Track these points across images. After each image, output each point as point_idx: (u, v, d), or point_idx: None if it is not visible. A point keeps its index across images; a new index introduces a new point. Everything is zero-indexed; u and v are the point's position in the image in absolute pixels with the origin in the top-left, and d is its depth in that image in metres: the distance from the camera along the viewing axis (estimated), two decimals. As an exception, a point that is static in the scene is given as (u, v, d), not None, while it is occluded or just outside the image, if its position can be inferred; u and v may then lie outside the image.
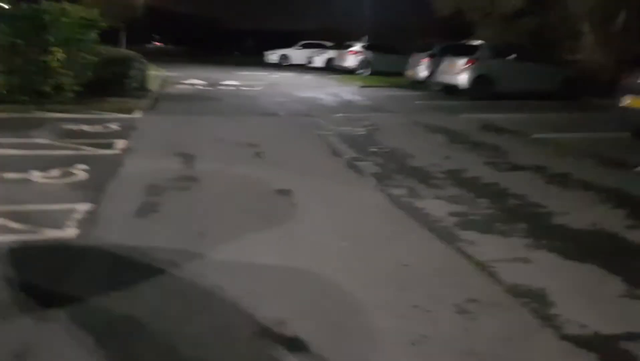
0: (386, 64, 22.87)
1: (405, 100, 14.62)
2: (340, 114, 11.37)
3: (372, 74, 22.18)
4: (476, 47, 14.79)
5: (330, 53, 28.60)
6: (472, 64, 14.36)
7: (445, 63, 15.27)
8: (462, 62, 14.55)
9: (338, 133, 9.12)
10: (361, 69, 23.38)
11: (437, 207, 5.02)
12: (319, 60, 28.79)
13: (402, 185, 5.85)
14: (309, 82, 20.03)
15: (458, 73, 14.57)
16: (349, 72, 23.47)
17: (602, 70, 16.63)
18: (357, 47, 23.71)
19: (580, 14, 17.76)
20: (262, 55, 33.26)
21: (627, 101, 8.67)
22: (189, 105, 12.14)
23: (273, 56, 32.37)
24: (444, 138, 8.90)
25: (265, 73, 23.63)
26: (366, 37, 21.95)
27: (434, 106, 13.23)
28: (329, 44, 31.56)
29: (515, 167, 6.89)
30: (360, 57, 23.46)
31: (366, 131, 9.49)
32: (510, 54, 14.65)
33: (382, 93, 16.34)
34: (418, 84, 17.81)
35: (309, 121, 10.45)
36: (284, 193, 5.40)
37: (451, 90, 15.42)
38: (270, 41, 37.27)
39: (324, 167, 6.75)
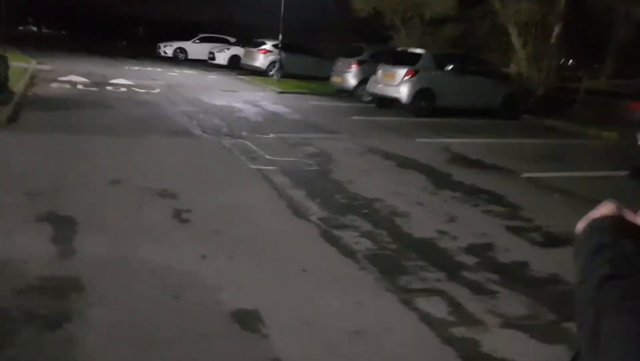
0: (301, 66, 20.63)
1: (338, 114, 12.48)
2: (272, 135, 8.95)
3: (284, 76, 19.86)
4: (414, 56, 13.00)
5: (235, 50, 25.79)
6: (413, 75, 12.55)
7: (380, 72, 13.34)
8: (401, 72, 12.70)
9: (282, 168, 6.74)
10: (273, 70, 20.94)
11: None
12: (222, 57, 25.83)
13: (434, 291, 3.64)
14: (217, 83, 17.26)
15: (397, 85, 12.69)
16: (259, 73, 20.92)
17: (535, 86, 15.69)
18: (269, 45, 21.21)
19: (511, 25, 16.74)
20: (154, 47, 29.54)
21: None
22: (65, 116, 9.04)
23: (168, 49, 28.76)
24: (421, 178, 6.84)
25: (161, 69, 20.40)
26: (280, 36, 19.49)
27: (377, 125, 11.21)
28: (232, 39, 28.69)
29: (554, 240, 4.96)
30: (271, 57, 20.99)
31: (317, 164, 7.19)
32: (450, 65, 13.03)
33: (307, 103, 14.09)
34: (343, 93, 15.78)
35: (236, 145, 7.94)
36: (250, 323, 3.01)
37: (385, 103, 13.55)
38: (163, 31, 33.55)
39: (292, 247, 4.35)
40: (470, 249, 4.50)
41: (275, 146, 8.13)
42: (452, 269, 4.06)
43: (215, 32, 29.46)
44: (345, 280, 3.77)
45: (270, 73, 20.88)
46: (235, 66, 24.63)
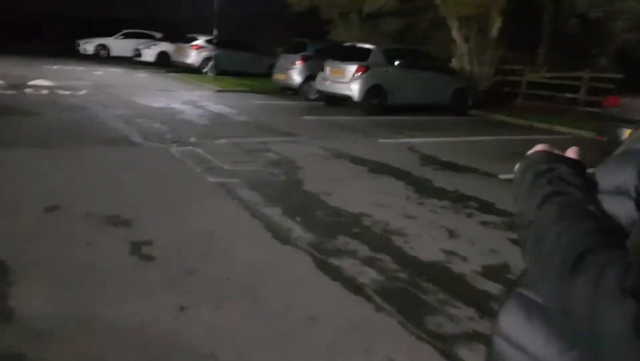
0: (236, 62, 19.63)
1: (288, 113, 11.71)
2: (224, 140, 8.08)
3: (219, 73, 18.80)
4: (364, 51, 12.44)
5: (163, 46, 24.31)
6: (364, 72, 11.99)
7: (328, 69, 12.69)
8: (351, 68, 12.11)
9: (245, 180, 5.94)
10: (207, 67, 19.79)
11: None
12: (149, 53, 24.25)
13: (473, 335, 3.01)
14: (148, 82, 15.99)
15: (348, 82, 12.09)
16: (192, 70, 19.71)
17: (477, 80, 15.61)
18: (202, 41, 20.00)
19: (451, 19, 16.58)
20: (71, 45, 27.34)
21: None
22: (-19, 124, 7.77)
23: (88, 46, 26.73)
24: (399, 186, 6.25)
25: (84, 68, 18.76)
26: (215, 31, 18.38)
27: (332, 124, 10.56)
28: (158, 35, 27.11)
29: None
30: (204, 54, 19.82)
31: (283, 173, 6.44)
32: (401, 61, 12.58)
33: (251, 102, 13.21)
34: (287, 91, 15.02)
35: (187, 153, 7.03)
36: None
37: (334, 101, 12.93)
38: (81, 28, 31.27)
39: (287, 285, 3.59)
40: (487, 273, 3.93)
41: (231, 153, 7.29)
42: (480, 302, 3.47)
43: (137, 28, 27.68)
44: (365, 328, 3.08)
45: (204, 70, 19.76)
46: (163, 63, 23.23)
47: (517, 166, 0.81)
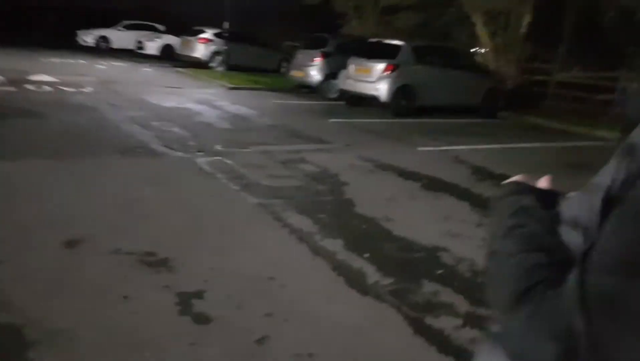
0: (245, 57, 18.72)
1: (311, 115, 10.89)
2: (253, 148, 7.27)
3: (229, 69, 17.93)
4: (392, 48, 11.59)
5: (167, 38, 23.40)
6: (393, 70, 11.16)
7: (353, 67, 11.85)
8: (379, 67, 11.28)
9: (290, 200, 5.15)
10: (215, 62, 18.91)
11: None
12: (153, 46, 23.32)
13: None
14: (155, 78, 15.11)
15: (375, 81, 11.26)
16: (199, 65, 18.80)
17: (504, 80, 14.79)
18: (209, 34, 19.09)
19: (476, 14, 15.75)
20: (71, 36, 26.30)
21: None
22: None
23: (88, 38, 25.73)
24: (464, 207, 5.47)
25: (86, 62, 17.83)
26: (226, 24, 17.45)
27: (362, 129, 9.73)
28: (160, 27, 26.16)
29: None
30: (213, 47, 18.91)
31: (329, 191, 5.64)
32: (433, 58, 11.78)
33: (269, 101, 12.37)
34: (302, 88, 14.17)
35: (216, 165, 6.22)
36: None
37: (357, 101, 12.10)
38: (78, 19, 30.18)
39: None
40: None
41: (264, 164, 6.47)
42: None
43: (135, 19, 26.64)
44: None
45: (212, 65, 18.88)
46: (168, 56, 22.31)
47: (494, 194, 0.84)
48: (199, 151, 6.81)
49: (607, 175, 0.64)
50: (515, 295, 0.63)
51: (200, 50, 19.07)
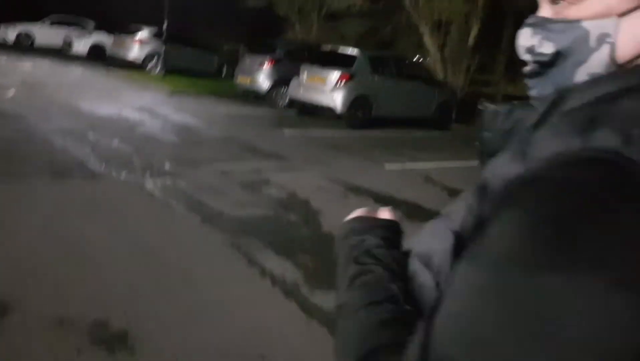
0: (183, 60, 17.65)
1: (264, 126, 10.13)
2: (207, 167, 6.47)
3: (166, 72, 16.83)
4: (346, 57, 11.04)
5: (98, 37, 21.79)
6: (349, 80, 10.62)
7: (305, 75, 11.22)
8: (334, 76, 10.71)
9: (260, 234, 4.44)
10: (150, 64, 17.70)
11: None
12: (82, 45, 21.61)
13: None
14: (87, 81, 13.83)
15: (330, 91, 10.68)
16: (133, 66, 17.53)
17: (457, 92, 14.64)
18: (146, 34, 17.84)
19: (423, 24, 15.55)
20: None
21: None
22: None
23: (9, 33, 23.60)
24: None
25: (6, 59, 16.18)
26: (165, 24, 16.31)
27: (320, 142, 9.10)
28: (90, 22, 24.42)
29: None
30: (149, 48, 17.69)
31: (302, 221, 4.98)
32: (387, 68, 11.35)
33: (215, 109, 11.49)
34: (249, 95, 13.38)
35: (170, 191, 5.39)
36: None
37: (308, 110, 11.48)
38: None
39: None
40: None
41: (223, 187, 5.71)
42: None
43: (60, 10, 24.65)
44: None
45: (148, 67, 17.68)
46: (98, 56, 20.79)
47: (337, 233, 0.78)
48: (145, 172, 5.93)
49: (460, 210, 0.59)
50: (358, 358, 0.57)
51: (135, 51, 17.80)
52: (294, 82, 11.48)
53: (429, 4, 15.09)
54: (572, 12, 0.60)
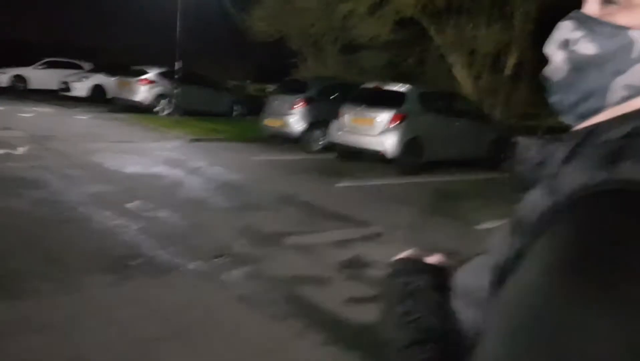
0: (194, 101, 16.45)
1: (309, 176, 8.95)
2: (285, 243, 5.26)
3: (172, 114, 15.69)
4: (395, 95, 9.94)
5: (97, 78, 20.60)
6: (401, 120, 9.52)
7: (347, 116, 10.11)
8: (383, 117, 9.61)
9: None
10: (159, 106, 16.56)
11: None
12: (81, 87, 20.40)
13: None
14: (96, 129, 12.59)
15: (379, 134, 9.56)
16: (140, 109, 16.36)
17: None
18: (153, 74, 16.73)
19: (453, 55, 14.64)
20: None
21: None
22: None
23: (2, 77, 22.40)
24: None
25: (5, 108, 14.90)
26: (177, 63, 15.20)
27: (384, 195, 7.94)
28: (86, 64, 23.34)
29: None
30: (157, 90, 16.56)
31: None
32: (439, 106, 10.30)
33: (246, 158, 10.29)
34: (277, 139, 12.25)
35: (257, 286, 4.16)
36: None
37: (351, 155, 10.35)
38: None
39: None
40: None
41: (321, 275, 4.50)
42: None
43: (50, 55, 23.57)
44: None
45: (156, 109, 16.53)
46: (99, 98, 19.64)
47: (384, 274, 0.79)
48: (216, 257, 4.71)
49: (499, 246, 0.60)
50: None
51: (142, 93, 16.62)
52: (334, 125, 10.35)
53: (460, 33, 14.20)
54: (622, 18, 0.57)
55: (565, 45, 0.60)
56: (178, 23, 14.83)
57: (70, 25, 29.11)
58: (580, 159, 0.55)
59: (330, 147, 10.93)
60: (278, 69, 21.97)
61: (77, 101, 19.04)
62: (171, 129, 13.21)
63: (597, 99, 0.58)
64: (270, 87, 22.45)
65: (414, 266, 0.76)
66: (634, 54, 0.55)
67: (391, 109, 9.62)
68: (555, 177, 0.55)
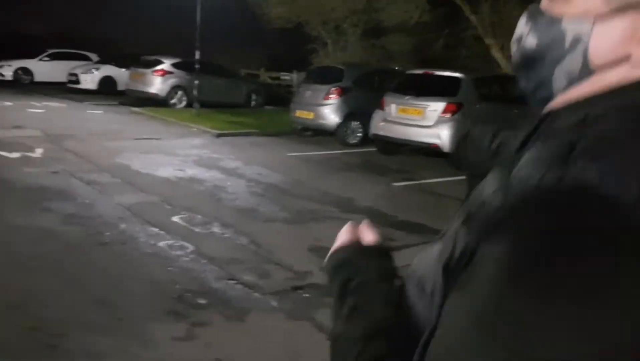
0: (212, 91, 15.43)
1: (356, 174, 8.10)
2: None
3: (190, 105, 14.80)
4: (448, 82, 9.01)
5: (107, 69, 19.64)
6: (456, 111, 8.61)
7: (394, 106, 9.20)
8: (436, 107, 8.71)
9: None
10: (175, 98, 15.66)
11: None
12: (90, 79, 19.47)
13: None
14: (114, 124, 11.69)
15: (431, 126, 8.67)
16: (155, 102, 15.45)
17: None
18: (168, 65, 15.78)
19: (490, 37, 13.69)
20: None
21: None
22: None
23: (5, 70, 21.45)
24: None
25: (12, 103, 14.02)
26: (197, 52, 14.23)
27: (444, 197, 7.07)
28: (93, 56, 22.43)
29: None
30: (172, 81, 15.64)
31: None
32: (494, 93, 9.38)
33: (280, 154, 9.40)
34: (305, 131, 11.38)
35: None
36: None
37: (393, 148, 9.48)
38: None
39: None
40: None
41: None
42: None
43: (53, 46, 22.63)
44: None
45: (172, 102, 15.64)
46: (109, 90, 18.75)
47: (325, 264, 0.76)
48: (296, 288, 3.86)
49: (449, 238, 0.59)
50: None
51: (157, 84, 15.69)
52: (376, 116, 9.45)
53: (498, 12, 13.24)
54: (558, 8, 0.58)
55: (518, 40, 0.62)
56: (198, 10, 13.80)
57: (73, 15, 28.11)
58: (534, 150, 0.55)
59: (367, 140, 10.05)
60: (293, 56, 21.02)
61: (86, 94, 18.14)
62: (193, 123, 12.32)
63: (546, 88, 0.59)
64: (286, 76, 21.55)
65: (357, 255, 0.73)
66: (567, 44, 0.56)
67: (444, 98, 8.71)
68: (507, 169, 0.56)
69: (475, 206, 0.57)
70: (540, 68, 0.59)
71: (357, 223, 0.77)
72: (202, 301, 3.56)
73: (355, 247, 0.74)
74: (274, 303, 3.62)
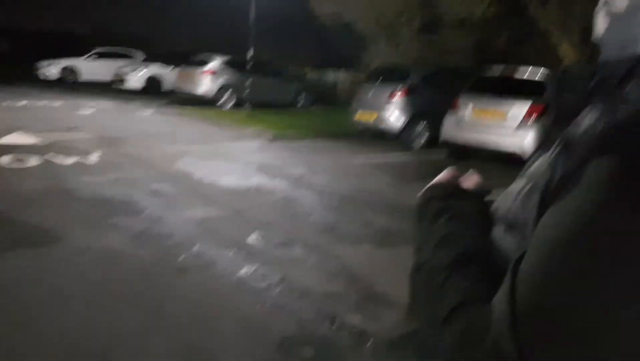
0: (261, 91, 14.93)
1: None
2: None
3: (237, 105, 14.32)
4: (528, 81, 8.24)
5: (152, 69, 19.38)
6: (541, 114, 7.83)
7: (470, 108, 8.48)
8: (519, 109, 7.95)
9: None
10: (223, 98, 15.22)
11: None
12: (136, 79, 19.25)
13: None
14: (165, 127, 11.29)
15: (513, 130, 7.92)
16: (203, 102, 15.04)
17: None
18: (216, 64, 15.36)
19: (558, 33, 12.76)
20: (27, 66, 21.74)
21: None
22: None
23: (52, 69, 21.43)
24: None
25: (62, 103, 13.82)
26: (250, 51, 13.72)
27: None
28: (139, 54, 22.22)
29: None
30: (221, 81, 15.20)
31: None
32: (576, 91, 8.57)
33: (344, 160, 8.79)
34: (366, 134, 10.74)
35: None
36: None
37: (465, 154, 8.76)
38: (37, 46, 25.57)
39: None
40: None
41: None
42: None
43: (99, 45, 22.50)
44: None
45: (221, 102, 15.21)
46: (154, 90, 18.50)
47: (418, 197, 0.78)
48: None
49: (544, 169, 0.61)
50: (447, 311, 0.60)
51: (206, 84, 15.29)
52: (449, 119, 8.73)
53: (566, 8, 12.31)
54: None
55: (605, 4, 0.64)
56: (253, 7, 13.29)
57: (116, 12, 28.11)
58: (636, 82, 0.55)
59: (434, 143, 9.35)
60: (341, 54, 20.38)
61: (135, 94, 17.90)
62: (245, 125, 11.83)
63: (632, 46, 0.59)
64: (332, 74, 20.94)
65: (453, 190, 0.75)
66: None
67: (528, 99, 7.94)
68: (612, 98, 0.56)
69: (575, 136, 0.56)
70: (629, 27, 0.60)
71: (457, 168, 0.79)
72: (307, 352, 2.97)
73: (454, 185, 0.77)
74: (392, 353, 3.00)
